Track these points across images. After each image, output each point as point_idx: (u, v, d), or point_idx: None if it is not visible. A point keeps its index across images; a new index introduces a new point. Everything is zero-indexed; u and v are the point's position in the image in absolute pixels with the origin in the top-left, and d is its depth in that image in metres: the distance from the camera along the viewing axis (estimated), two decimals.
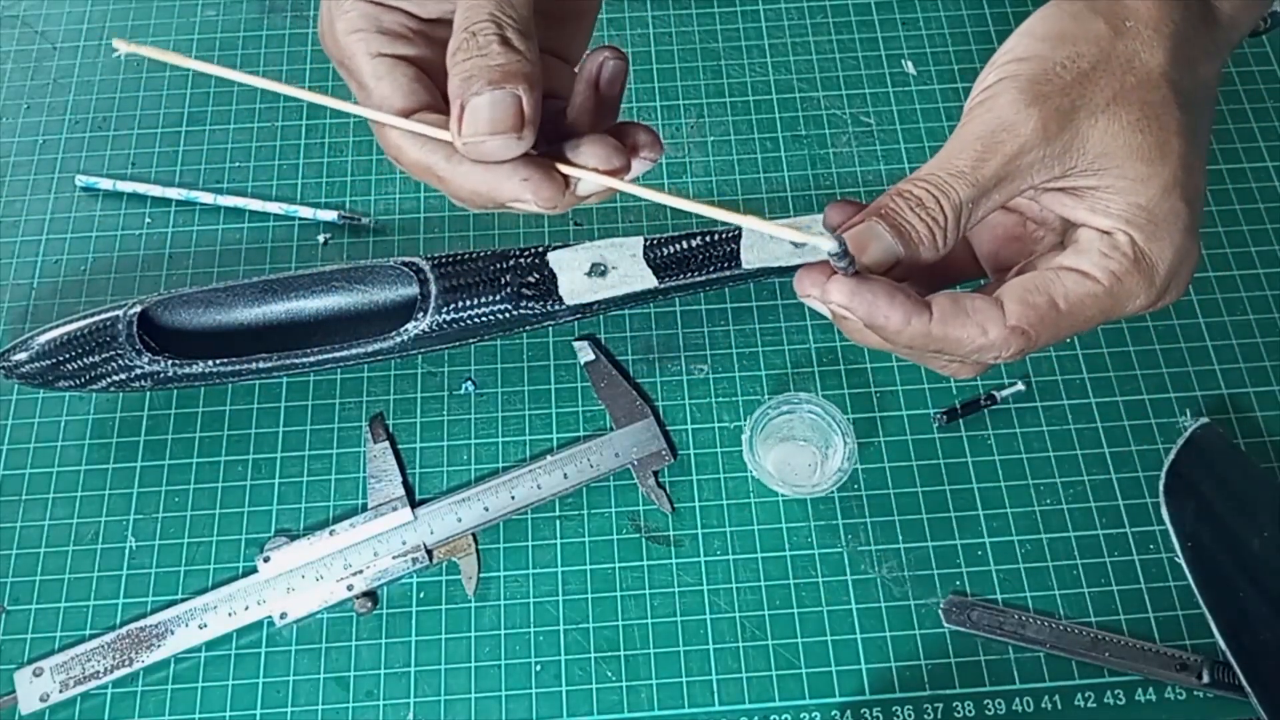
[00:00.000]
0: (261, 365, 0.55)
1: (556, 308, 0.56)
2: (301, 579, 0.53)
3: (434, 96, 0.37)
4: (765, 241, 0.57)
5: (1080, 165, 0.35)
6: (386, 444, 0.56)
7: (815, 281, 0.36)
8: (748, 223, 0.36)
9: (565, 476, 0.55)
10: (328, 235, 0.62)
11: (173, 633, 0.52)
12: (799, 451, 0.56)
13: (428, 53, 0.38)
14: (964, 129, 0.35)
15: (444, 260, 0.56)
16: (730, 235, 0.57)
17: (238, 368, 0.55)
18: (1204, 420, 0.55)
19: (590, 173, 0.35)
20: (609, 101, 0.37)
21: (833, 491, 0.53)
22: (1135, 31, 0.36)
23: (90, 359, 0.53)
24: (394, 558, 0.53)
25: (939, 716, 0.50)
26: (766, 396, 0.56)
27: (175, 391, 0.58)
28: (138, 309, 0.54)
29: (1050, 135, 0.34)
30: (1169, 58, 0.35)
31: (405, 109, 0.37)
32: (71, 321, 0.54)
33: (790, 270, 0.58)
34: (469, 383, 0.58)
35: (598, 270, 0.56)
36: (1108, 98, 0.35)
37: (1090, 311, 0.35)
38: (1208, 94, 0.37)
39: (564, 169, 0.35)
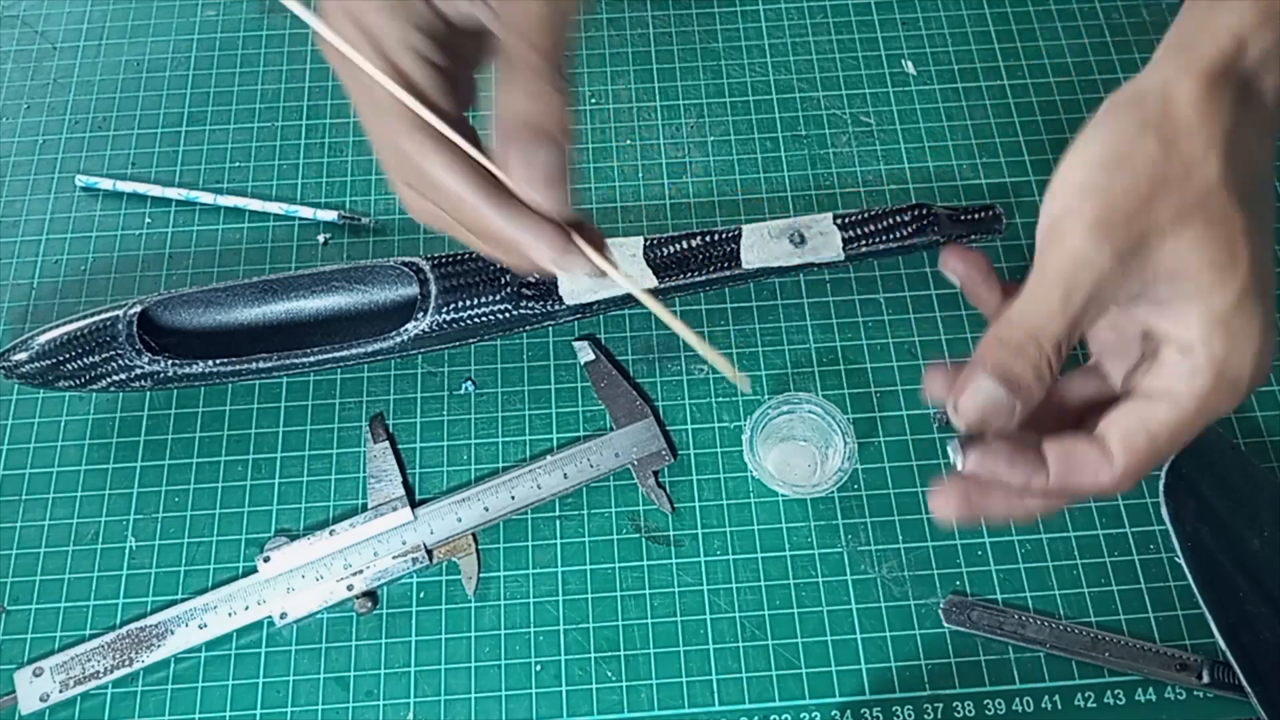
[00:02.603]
0: (261, 365, 0.55)
1: (556, 308, 0.56)
2: (301, 579, 0.53)
3: (457, 113, 0.38)
4: (765, 241, 0.57)
5: (1158, 283, 0.37)
6: (386, 444, 0.56)
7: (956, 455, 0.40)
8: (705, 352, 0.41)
9: (565, 476, 0.55)
10: (328, 235, 0.62)
11: (173, 633, 0.52)
12: (799, 451, 0.56)
13: (450, 71, 0.38)
14: (1043, 268, 0.37)
15: (444, 260, 0.56)
16: (730, 235, 0.57)
17: (238, 368, 0.55)
18: None
19: (595, 255, 0.39)
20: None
21: (833, 491, 0.53)
22: (1187, 143, 0.37)
23: (90, 359, 0.53)
24: (394, 558, 0.53)
25: (939, 716, 0.50)
26: (766, 396, 0.56)
27: (175, 391, 0.58)
28: (138, 309, 0.54)
29: (1125, 263, 0.36)
30: (1222, 164, 0.37)
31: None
32: (71, 321, 0.54)
33: (790, 270, 0.58)
34: (469, 383, 0.58)
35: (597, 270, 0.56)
36: (1170, 217, 0.36)
37: (1186, 431, 0.39)
38: (1266, 181, 0.39)
39: (583, 246, 0.39)
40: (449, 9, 0.38)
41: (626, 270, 0.56)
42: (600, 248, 0.39)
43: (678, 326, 0.42)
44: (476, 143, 0.38)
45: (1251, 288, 0.37)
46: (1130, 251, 0.36)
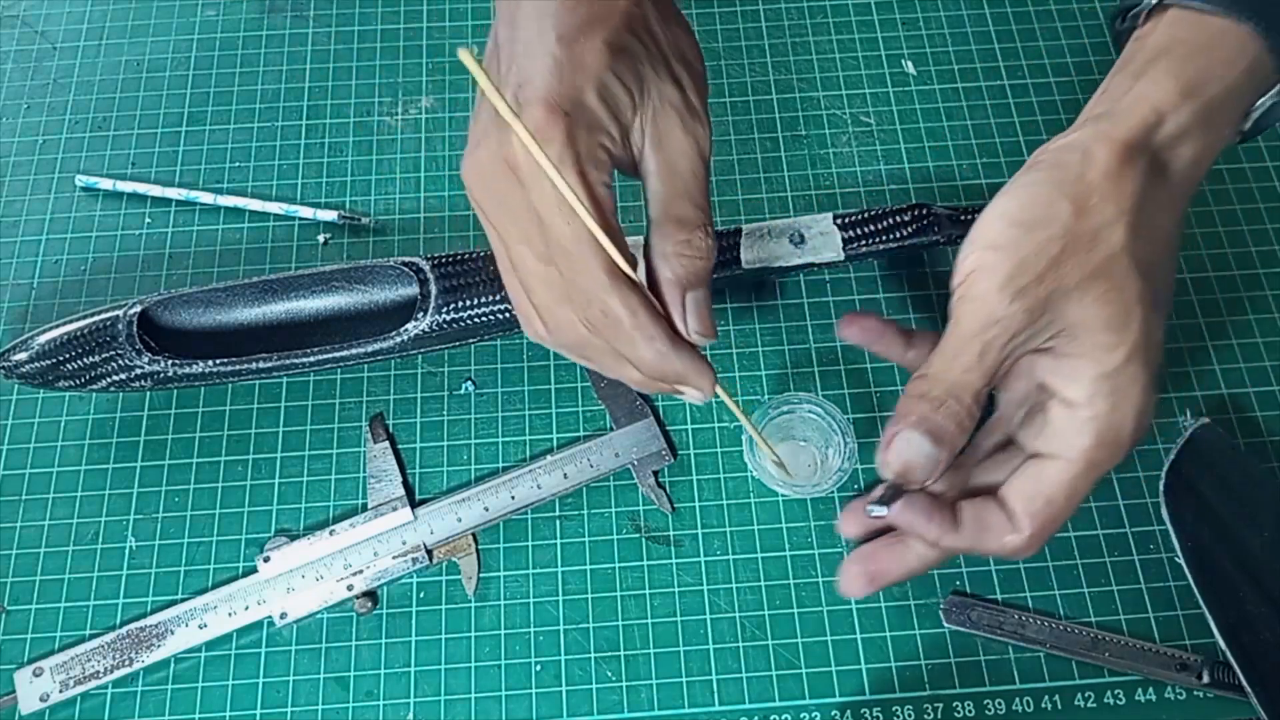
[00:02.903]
0: (261, 365, 0.55)
1: None
2: (301, 579, 0.53)
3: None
4: (765, 241, 0.57)
5: (1058, 333, 0.40)
6: (386, 444, 0.56)
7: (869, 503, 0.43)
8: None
9: (565, 476, 0.55)
10: (328, 235, 0.62)
11: (173, 633, 0.52)
12: (799, 451, 0.56)
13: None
14: (959, 322, 0.41)
15: (444, 260, 0.56)
16: (730, 235, 0.57)
17: (238, 368, 0.55)
18: (1204, 420, 0.55)
19: (731, 402, 0.46)
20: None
21: (833, 491, 0.53)
22: (1098, 209, 0.40)
23: (90, 359, 0.53)
24: (394, 558, 0.53)
25: (939, 716, 0.50)
26: (766, 397, 0.56)
27: (175, 391, 0.58)
28: (138, 309, 0.54)
29: (1035, 318, 0.40)
30: (1128, 231, 0.40)
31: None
32: (71, 321, 0.54)
33: (790, 270, 0.58)
34: (469, 383, 0.58)
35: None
36: (1078, 278, 0.39)
37: (1079, 488, 0.42)
38: (1168, 251, 0.42)
39: (722, 394, 0.45)
40: (614, 160, 0.41)
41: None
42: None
43: (757, 438, 0.50)
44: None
45: (1139, 351, 0.40)
46: (1040, 309, 0.39)
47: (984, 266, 0.40)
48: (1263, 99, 0.44)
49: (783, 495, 0.54)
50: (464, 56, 0.35)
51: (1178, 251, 0.43)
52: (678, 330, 0.42)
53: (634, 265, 0.41)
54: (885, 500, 0.42)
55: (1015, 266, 0.39)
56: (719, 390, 0.44)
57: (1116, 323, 0.40)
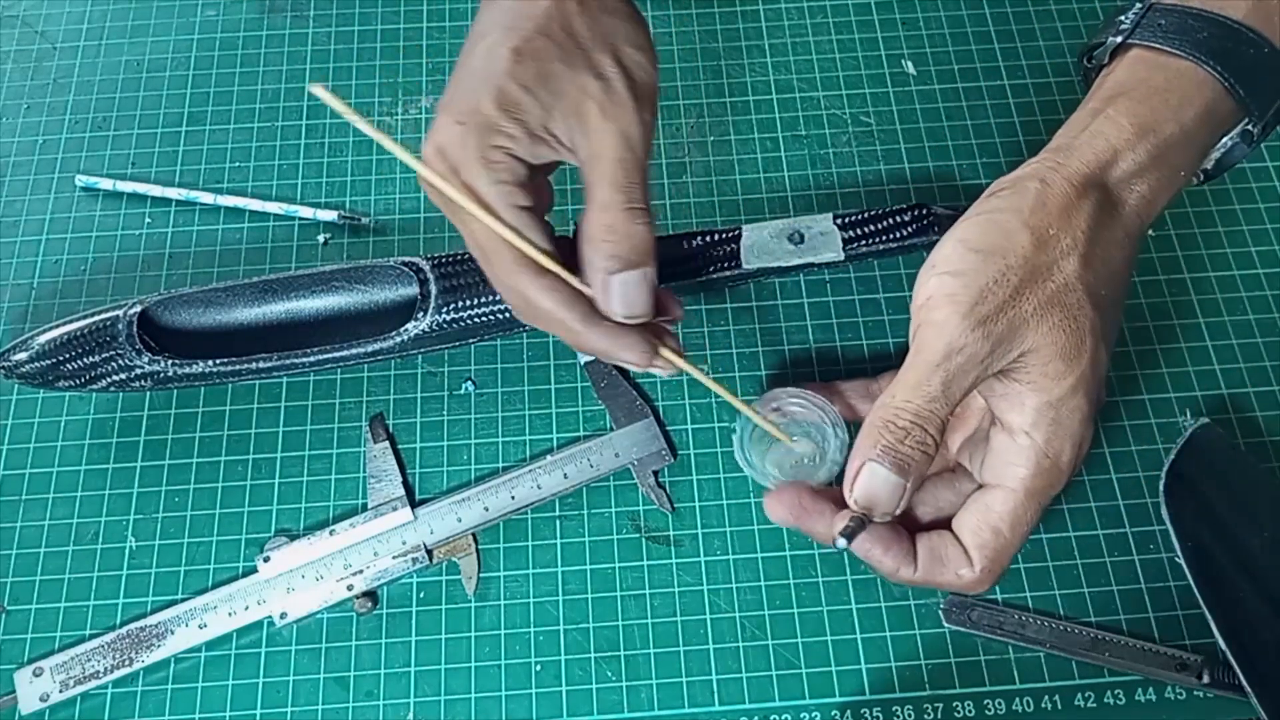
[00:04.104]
0: (261, 365, 0.55)
1: None
2: (301, 579, 0.53)
3: (553, 246, 0.44)
4: (765, 241, 0.57)
5: (1013, 357, 0.41)
6: (386, 444, 0.56)
7: (831, 523, 0.44)
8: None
9: (565, 476, 0.55)
10: (328, 235, 0.62)
11: (173, 633, 0.52)
12: (793, 446, 0.55)
13: (535, 201, 0.43)
14: (920, 350, 0.41)
15: (444, 260, 0.56)
16: (730, 235, 0.57)
17: (238, 368, 0.55)
18: (1204, 420, 0.55)
19: (674, 356, 0.47)
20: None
21: (828, 485, 0.53)
22: (1055, 240, 0.41)
23: (90, 359, 0.53)
24: (394, 558, 0.53)
25: (939, 716, 0.50)
26: (757, 396, 0.56)
27: (175, 391, 0.58)
28: (138, 309, 0.54)
29: (995, 346, 0.40)
30: (1082, 263, 0.41)
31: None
32: (71, 321, 0.54)
33: (790, 270, 0.58)
34: (469, 383, 0.58)
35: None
36: (1034, 306, 0.41)
37: (1023, 515, 0.43)
38: (1119, 286, 0.43)
39: (670, 355, 0.46)
40: (532, 157, 0.42)
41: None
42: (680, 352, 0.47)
43: (746, 410, 0.50)
44: (568, 268, 0.43)
45: (1084, 382, 0.41)
46: (1000, 337, 0.40)
47: (944, 292, 0.41)
48: (1224, 138, 0.45)
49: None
50: (317, 91, 0.40)
51: (1127, 287, 0.44)
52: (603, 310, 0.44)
53: (554, 255, 0.43)
54: (848, 533, 0.43)
55: (977, 295, 0.40)
56: (681, 363, 0.46)
57: (1069, 352, 0.41)
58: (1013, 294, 0.40)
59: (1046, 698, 0.50)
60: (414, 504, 0.54)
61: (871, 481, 0.41)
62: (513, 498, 0.54)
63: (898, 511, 0.43)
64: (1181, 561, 0.52)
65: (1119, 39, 0.45)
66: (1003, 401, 0.42)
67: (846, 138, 0.65)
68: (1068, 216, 0.41)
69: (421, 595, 0.53)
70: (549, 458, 0.55)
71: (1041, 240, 0.41)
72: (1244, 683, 0.48)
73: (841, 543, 0.43)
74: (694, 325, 0.59)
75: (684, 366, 0.47)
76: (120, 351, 0.54)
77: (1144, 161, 0.42)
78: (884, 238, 0.57)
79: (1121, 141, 0.42)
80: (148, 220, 0.63)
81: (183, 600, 0.53)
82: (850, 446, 0.53)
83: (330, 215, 0.62)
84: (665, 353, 0.46)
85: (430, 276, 0.55)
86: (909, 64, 0.67)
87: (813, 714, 0.50)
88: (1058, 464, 0.42)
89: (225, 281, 0.57)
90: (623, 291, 0.42)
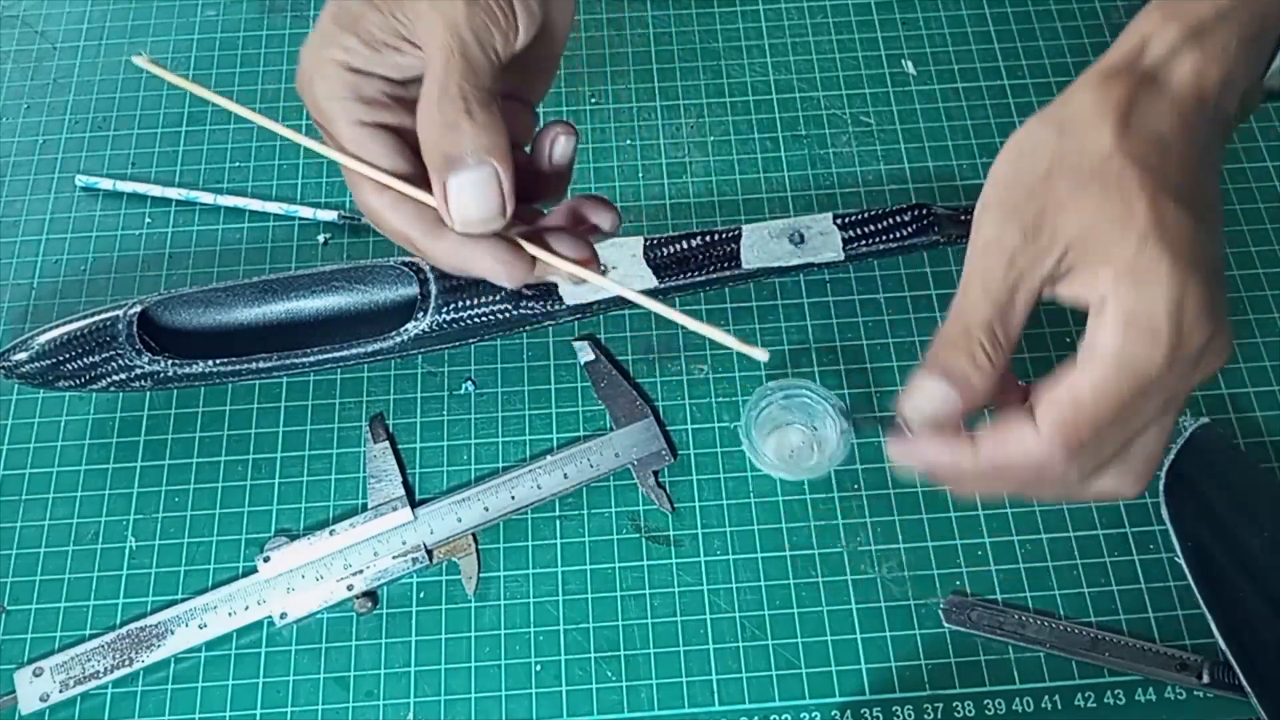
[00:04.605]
0: (261, 365, 0.55)
1: (556, 308, 0.56)
2: (301, 579, 0.53)
3: (412, 164, 0.39)
4: (765, 241, 0.57)
5: (1067, 250, 0.38)
6: (386, 444, 0.56)
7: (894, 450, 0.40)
8: (707, 331, 0.40)
9: (565, 476, 0.55)
10: (328, 235, 0.62)
11: (173, 633, 0.52)
12: (795, 435, 0.56)
13: (403, 118, 0.40)
14: (966, 266, 0.39)
15: None
16: (730, 235, 0.57)
17: (238, 368, 0.55)
18: (1204, 420, 0.55)
19: (562, 261, 0.39)
20: (560, 175, 0.41)
21: (829, 473, 0.54)
22: (1081, 122, 0.38)
23: (90, 359, 0.53)
24: (394, 558, 0.53)
25: (939, 716, 0.50)
26: (765, 379, 0.56)
27: (175, 391, 0.58)
28: (138, 309, 0.54)
29: (1030, 236, 0.37)
30: (1116, 133, 0.38)
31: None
32: (71, 321, 0.54)
33: (790, 270, 0.58)
34: (469, 383, 0.58)
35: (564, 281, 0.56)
36: (1068, 188, 0.38)
37: (1113, 386, 0.37)
38: (1178, 156, 0.39)
39: (534, 251, 0.39)
40: (380, 67, 0.39)
41: (626, 270, 0.56)
42: (609, 225, 0.41)
43: (673, 315, 0.40)
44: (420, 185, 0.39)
45: (1152, 234, 0.36)
46: (1034, 226, 0.37)
47: (982, 202, 0.39)
48: None
49: (781, 478, 0.55)
50: (141, 62, 0.38)
51: (1204, 165, 0.39)
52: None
53: (408, 178, 0.39)
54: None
55: (1003, 189, 0.38)
56: (570, 268, 0.39)
57: (1118, 215, 0.37)
58: (1041, 183, 0.38)
59: (1046, 698, 0.50)
60: (414, 504, 0.54)
61: (918, 396, 0.38)
62: (513, 498, 0.54)
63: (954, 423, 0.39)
64: (1181, 561, 0.52)
65: None
66: (1083, 290, 0.38)
67: (846, 138, 0.65)
68: (1094, 103, 0.39)
69: (421, 595, 0.53)
70: (549, 458, 0.55)
71: (1066, 131, 0.39)
72: (1244, 683, 0.49)
73: (899, 452, 0.40)
74: None
75: (566, 267, 0.39)
76: (120, 351, 0.54)
77: (1176, 42, 0.40)
78: (884, 238, 0.57)
79: (1150, 29, 0.40)
80: (148, 220, 0.63)
81: (183, 600, 0.53)
82: (850, 437, 0.53)
83: (330, 215, 0.62)
84: (546, 256, 0.39)
85: (430, 276, 0.55)
86: (909, 64, 0.67)
87: (813, 714, 0.50)
88: (1154, 325, 0.36)
89: (225, 281, 0.57)
90: (456, 196, 0.37)
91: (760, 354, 0.38)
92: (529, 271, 0.39)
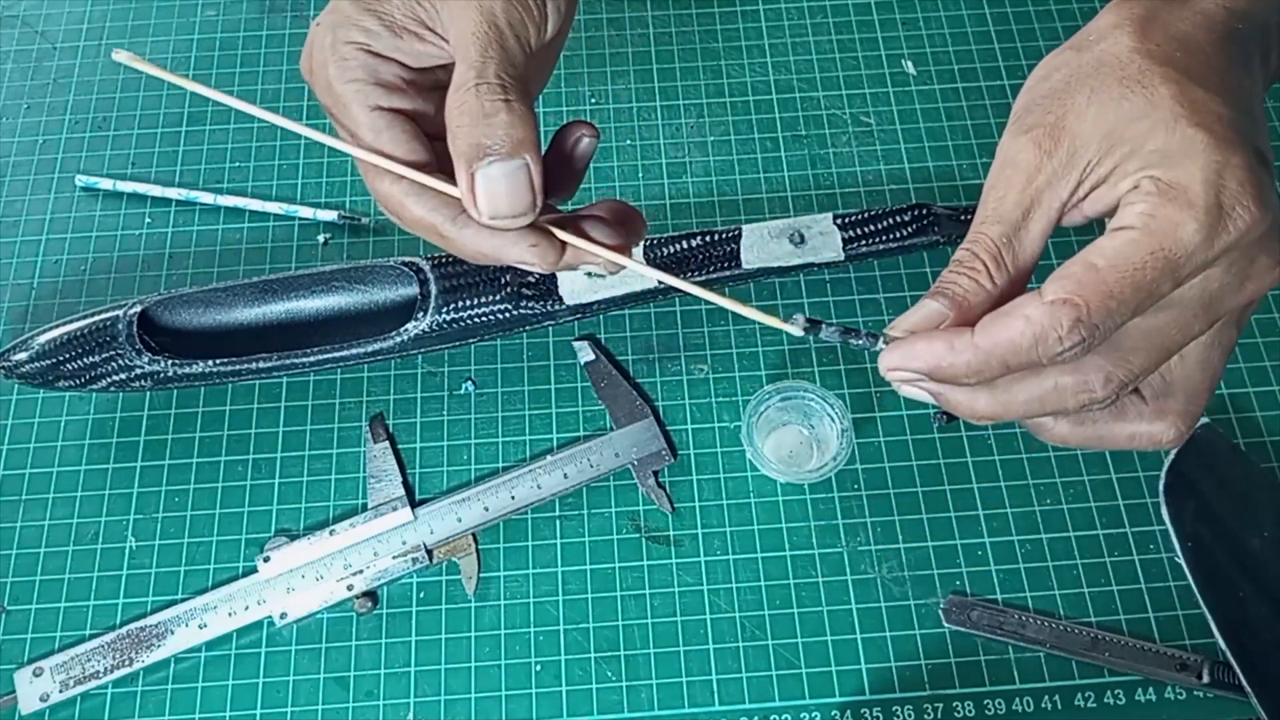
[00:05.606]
0: (261, 365, 0.55)
1: (556, 308, 0.56)
2: (301, 579, 0.53)
3: (430, 153, 0.39)
4: (765, 241, 0.57)
5: (1090, 159, 0.35)
6: (386, 444, 0.56)
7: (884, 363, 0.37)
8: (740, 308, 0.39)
9: (565, 476, 0.55)
10: (328, 235, 0.62)
11: (173, 633, 0.52)
12: (795, 437, 0.56)
13: (421, 105, 0.39)
14: (985, 187, 0.37)
15: (444, 260, 0.56)
16: (730, 235, 0.57)
17: (238, 368, 0.55)
18: (1204, 420, 0.55)
19: (599, 247, 0.39)
20: (575, 174, 0.40)
21: (831, 475, 0.54)
22: (1096, 40, 0.37)
23: (90, 359, 0.53)
24: (394, 558, 0.53)
25: (939, 716, 0.50)
26: (764, 382, 0.56)
27: (175, 391, 0.58)
28: (138, 309, 0.54)
29: (1048, 150, 0.35)
30: (1135, 38, 0.36)
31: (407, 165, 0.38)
32: (71, 321, 0.54)
33: (790, 270, 0.58)
34: (469, 383, 0.58)
35: (597, 270, 0.56)
36: (1087, 95, 0.35)
37: (1136, 257, 0.32)
38: (1205, 57, 0.36)
39: (570, 239, 0.38)
40: (401, 53, 0.38)
41: (626, 270, 0.56)
42: (636, 232, 0.40)
43: (706, 294, 0.39)
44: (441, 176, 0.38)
45: (1182, 118, 0.33)
46: (1052, 140, 0.35)
47: (1006, 130, 0.37)
48: None
49: (782, 481, 0.54)
50: (121, 57, 0.37)
51: (1232, 65, 0.36)
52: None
53: (426, 166, 0.38)
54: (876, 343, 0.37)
55: (1021, 110, 0.37)
56: (604, 252, 0.39)
57: (1142, 109, 0.34)
58: (1057, 96, 0.36)
59: (1046, 698, 0.50)
60: (414, 504, 0.54)
61: (914, 315, 0.36)
62: (513, 498, 0.54)
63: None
64: (1181, 561, 0.52)
65: None
66: (1107, 192, 0.35)
67: (846, 138, 0.65)
68: (1110, 22, 0.37)
69: (421, 595, 0.53)
70: (549, 458, 0.55)
71: (1083, 47, 0.37)
72: (1244, 683, 0.49)
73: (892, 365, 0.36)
74: (694, 325, 0.59)
75: (611, 257, 0.39)
76: (120, 351, 0.54)
77: None
78: (884, 238, 0.57)
79: None
80: (148, 220, 0.63)
81: (183, 600, 0.53)
82: (850, 438, 0.53)
83: (330, 215, 0.62)
84: (583, 243, 0.38)
85: (430, 276, 0.55)
86: (909, 64, 0.67)
87: (813, 714, 0.50)
88: (1187, 192, 0.32)
89: (225, 281, 0.57)
90: (485, 187, 0.36)
91: (794, 329, 0.37)
92: (560, 256, 0.38)
